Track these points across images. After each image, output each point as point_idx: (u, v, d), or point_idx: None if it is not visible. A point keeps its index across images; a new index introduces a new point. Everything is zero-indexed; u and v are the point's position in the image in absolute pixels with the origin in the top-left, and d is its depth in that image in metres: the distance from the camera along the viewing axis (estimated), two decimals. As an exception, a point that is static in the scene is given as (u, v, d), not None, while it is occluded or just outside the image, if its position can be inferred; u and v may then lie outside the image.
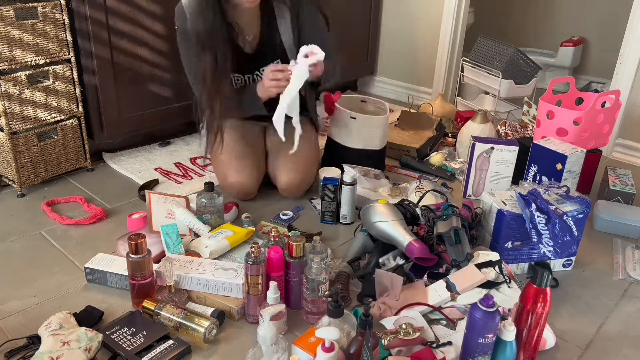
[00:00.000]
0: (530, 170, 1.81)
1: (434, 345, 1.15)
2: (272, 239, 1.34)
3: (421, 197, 1.71)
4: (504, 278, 1.31)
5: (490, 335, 1.06)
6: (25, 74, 1.74)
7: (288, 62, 1.66)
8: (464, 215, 1.51)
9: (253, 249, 1.22)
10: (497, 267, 1.33)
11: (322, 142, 2.05)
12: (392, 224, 1.46)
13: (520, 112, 2.47)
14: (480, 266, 1.33)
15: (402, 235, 1.43)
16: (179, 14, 1.66)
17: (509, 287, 1.29)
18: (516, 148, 1.81)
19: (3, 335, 1.23)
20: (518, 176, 1.84)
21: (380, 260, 1.47)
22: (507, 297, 1.27)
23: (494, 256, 1.36)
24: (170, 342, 1.18)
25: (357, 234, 1.58)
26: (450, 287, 1.29)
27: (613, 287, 1.48)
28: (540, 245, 1.46)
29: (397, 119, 2.40)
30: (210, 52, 1.58)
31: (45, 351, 1.10)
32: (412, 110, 2.46)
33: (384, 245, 1.51)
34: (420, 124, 2.33)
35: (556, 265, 1.51)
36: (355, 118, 1.91)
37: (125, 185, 1.95)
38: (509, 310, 1.23)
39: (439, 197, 1.75)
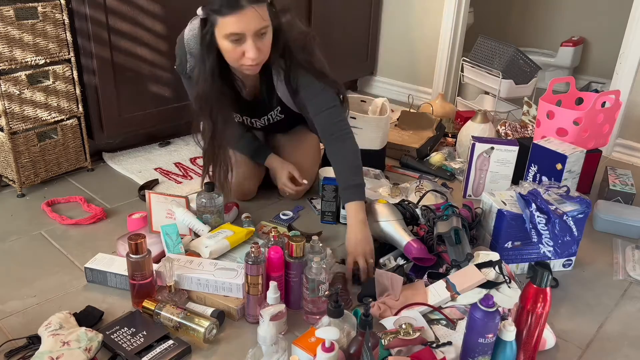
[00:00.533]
0: (530, 170, 1.81)
1: (434, 345, 1.15)
2: (272, 239, 1.34)
3: (421, 197, 1.71)
4: (504, 278, 1.30)
5: (490, 335, 1.06)
6: (25, 74, 1.74)
7: (286, 111, 1.69)
8: (464, 215, 1.51)
9: (253, 249, 1.22)
10: (497, 267, 1.33)
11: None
12: (391, 223, 1.46)
13: (520, 112, 2.47)
14: (480, 266, 1.33)
15: (401, 235, 1.43)
16: (179, 49, 1.58)
17: (509, 287, 1.29)
18: (516, 148, 1.81)
19: (3, 335, 1.23)
20: (518, 176, 1.84)
21: (381, 260, 1.47)
22: (507, 297, 1.27)
23: (494, 256, 1.36)
24: (170, 342, 1.18)
25: None
26: (450, 287, 1.29)
27: (613, 287, 1.48)
28: (540, 245, 1.46)
29: (397, 119, 2.40)
30: (210, 117, 1.52)
31: (45, 351, 1.10)
32: (412, 110, 2.46)
33: (383, 245, 1.51)
34: (420, 124, 2.33)
35: (556, 265, 1.51)
36: (355, 118, 1.91)
37: (125, 185, 1.95)
38: (509, 310, 1.23)
39: (439, 197, 1.75)
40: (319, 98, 1.54)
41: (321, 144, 2.01)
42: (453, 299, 1.28)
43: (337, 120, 1.54)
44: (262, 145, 1.82)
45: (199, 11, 1.39)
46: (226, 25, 1.35)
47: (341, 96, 1.59)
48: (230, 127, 1.59)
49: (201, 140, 1.57)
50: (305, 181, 1.75)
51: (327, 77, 1.54)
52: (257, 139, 1.83)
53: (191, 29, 1.53)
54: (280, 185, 1.78)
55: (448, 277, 1.32)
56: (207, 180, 1.60)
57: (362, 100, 2.12)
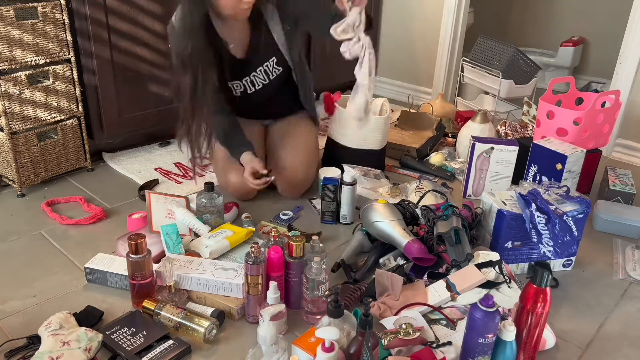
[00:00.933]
0: (530, 170, 1.81)
1: (434, 345, 1.15)
2: (272, 239, 1.34)
3: (421, 197, 1.71)
4: (504, 278, 1.30)
5: (490, 335, 1.06)
6: (25, 74, 1.75)
7: (284, 60, 1.69)
8: (464, 215, 1.51)
9: (253, 249, 1.22)
10: (497, 267, 1.33)
11: (322, 142, 2.05)
12: (391, 223, 1.46)
13: (520, 112, 2.47)
14: (480, 266, 1.33)
15: (401, 235, 1.43)
16: (170, 34, 1.63)
17: (509, 287, 1.29)
18: (516, 148, 1.81)
19: (3, 335, 1.23)
20: (518, 176, 1.84)
21: (381, 260, 1.47)
22: (507, 297, 1.27)
23: (494, 256, 1.36)
24: (170, 342, 1.18)
25: (355, 234, 1.58)
26: (450, 287, 1.29)
27: (613, 287, 1.48)
28: (540, 245, 1.46)
29: (397, 119, 2.40)
30: (191, 74, 1.54)
31: (45, 351, 1.10)
32: (412, 110, 2.46)
33: (383, 245, 1.51)
34: (420, 124, 2.33)
35: (556, 265, 1.51)
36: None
37: (125, 185, 1.95)
38: (509, 310, 1.23)
39: (439, 197, 1.75)
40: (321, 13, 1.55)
41: (321, 144, 2.02)
42: (453, 299, 1.28)
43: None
44: (242, 142, 1.76)
45: None
46: None
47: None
48: (210, 84, 1.58)
49: (178, 100, 1.57)
50: (265, 171, 1.69)
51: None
52: (240, 135, 1.78)
53: (179, 11, 1.57)
54: (243, 179, 1.72)
55: (448, 277, 1.32)
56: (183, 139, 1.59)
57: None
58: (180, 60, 1.56)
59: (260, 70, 1.72)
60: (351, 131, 1.93)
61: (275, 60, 1.71)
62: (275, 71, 1.73)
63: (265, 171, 1.69)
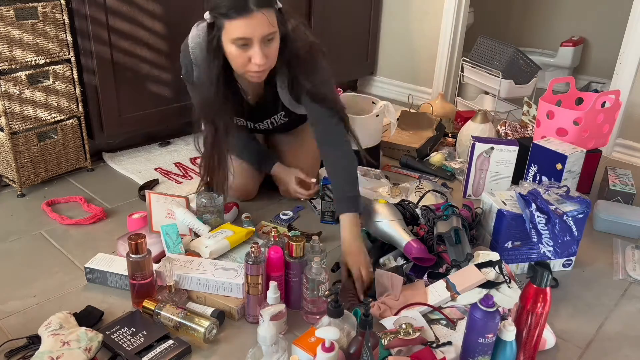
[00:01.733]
0: (530, 170, 1.81)
1: (434, 345, 1.15)
2: (272, 239, 1.35)
3: (421, 197, 1.71)
4: (504, 278, 1.30)
5: (490, 335, 1.06)
6: (25, 74, 1.74)
7: (289, 114, 1.68)
8: (464, 215, 1.51)
9: (253, 249, 1.22)
10: (497, 267, 1.33)
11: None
12: (391, 223, 1.46)
13: (520, 112, 2.47)
14: (480, 266, 1.33)
15: (401, 235, 1.43)
16: (184, 58, 1.56)
17: (509, 287, 1.29)
18: (516, 148, 1.81)
19: (3, 335, 1.23)
20: (518, 176, 1.84)
21: (381, 260, 1.47)
22: (507, 297, 1.27)
23: (494, 256, 1.36)
24: (170, 342, 1.18)
25: None
26: (450, 287, 1.29)
27: (613, 287, 1.48)
28: (540, 245, 1.46)
29: (397, 119, 2.40)
30: (213, 123, 1.52)
31: (45, 351, 1.10)
32: (412, 110, 2.46)
33: (383, 245, 1.51)
34: (420, 124, 2.33)
35: (556, 265, 1.51)
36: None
37: (125, 185, 1.95)
38: (509, 310, 1.23)
39: (439, 197, 1.75)
40: (320, 112, 1.53)
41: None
42: (453, 299, 1.28)
43: (335, 127, 1.53)
44: (267, 154, 1.80)
45: (206, 15, 1.38)
46: (233, 30, 1.33)
47: (343, 118, 1.57)
48: (231, 134, 1.57)
49: (202, 146, 1.56)
50: (313, 180, 1.75)
51: (329, 101, 1.53)
52: (261, 147, 1.82)
53: (195, 37, 1.51)
54: (291, 192, 1.77)
55: (448, 277, 1.32)
56: (203, 185, 1.59)
57: (372, 102, 2.11)
58: (201, 111, 1.52)
59: (266, 122, 1.72)
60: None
61: (283, 114, 1.69)
62: (281, 121, 1.72)
63: (313, 180, 1.73)
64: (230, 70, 1.47)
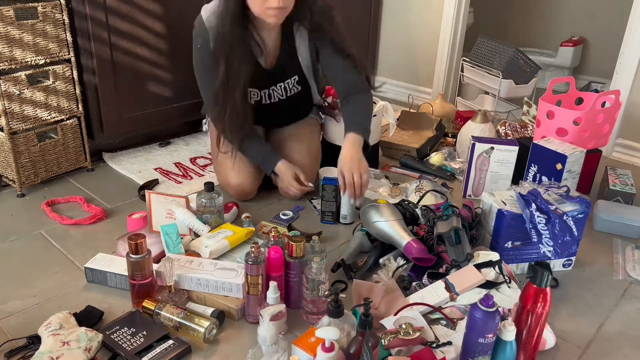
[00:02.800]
0: (530, 170, 1.81)
1: (434, 345, 1.15)
2: (272, 239, 1.35)
3: (421, 197, 1.71)
4: (504, 278, 1.30)
5: (490, 335, 1.06)
6: (25, 74, 1.74)
7: (305, 80, 1.72)
8: (464, 215, 1.51)
9: (253, 249, 1.22)
10: (497, 267, 1.33)
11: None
12: (391, 223, 1.46)
13: (520, 112, 2.47)
14: (480, 266, 1.33)
15: (400, 235, 1.43)
16: (200, 31, 1.60)
17: (509, 287, 1.29)
18: (516, 148, 1.81)
19: (3, 335, 1.23)
20: (518, 176, 1.84)
21: (381, 260, 1.47)
22: (507, 297, 1.27)
23: (494, 256, 1.36)
24: (170, 342, 1.18)
25: (355, 234, 1.58)
26: (449, 287, 1.29)
27: (613, 287, 1.48)
28: (540, 245, 1.46)
29: (397, 119, 2.40)
30: (225, 64, 1.54)
31: (45, 351, 1.10)
32: (412, 110, 2.46)
33: (383, 245, 1.51)
34: (420, 124, 2.33)
35: (556, 265, 1.51)
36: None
37: (125, 185, 1.95)
38: (509, 310, 1.23)
39: (439, 197, 1.75)
40: (344, 68, 1.62)
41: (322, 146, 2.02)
42: (452, 299, 1.28)
43: (356, 80, 1.65)
44: (270, 152, 1.79)
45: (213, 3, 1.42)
46: None
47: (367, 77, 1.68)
48: (244, 71, 1.58)
49: (212, 87, 1.59)
50: (310, 184, 1.76)
51: (352, 57, 1.63)
52: (265, 145, 1.80)
53: (208, 9, 1.54)
54: (285, 184, 1.77)
55: (447, 277, 1.31)
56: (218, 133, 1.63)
57: (373, 102, 2.11)
58: (215, 55, 1.56)
59: (280, 86, 1.72)
60: (338, 130, 1.93)
61: (296, 79, 1.70)
62: (294, 89, 1.73)
63: (311, 184, 1.75)
64: (246, 18, 1.50)
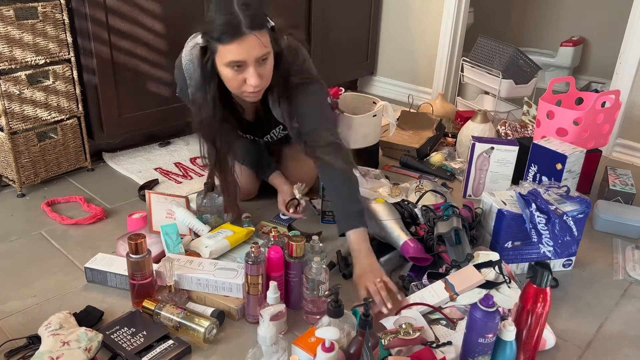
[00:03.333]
0: (530, 170, 1.81)
1: (434, 345, 1.15)
2: (272, 239, 1.35)
3: (420, 197, 1.71)
4: (504, 278, 1.30)
5: (490, 335, 1.06)
6: (25, 74, 1.74)
7: (284, 129, 1.66)
8: (465, 215, 1.51)
9: (253, 249, 1.22)
10: (497, 267, 1.33)
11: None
12: (388, 223, 1.46)
13: (520, 112, 2.47)
14: (480, 266, 1.33)
15: (398, 234, 1.43)
16: (179, 76, 1.55)
17: (508, 287, 1.29)
18: (516, 148, 1.81)
19: (3, 335, 1.23)
20: (518, 176, 1.84)
21: (381, 260, 1.47)
22: (507, 297, 1.27)
23: (494, 256, 1.36)
24: (170, 342, 1.18)
25: None
26: (449, 287, 1.29)
27: (613, 287, 1.48)
28: (540, 245, 1.46)
29: (397, 119, 2.40)
30: (214, 144, 1.53)
31: (45, 351, 1.10)
32: (412, 110, 2.46)
33: (380, 244, 1.51)
34: (420, 124, 2.33)
35: (556, 265, 1.51)
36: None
37: (125, 185, 1.95)
38: (509, 310, 1.23)
39: (438, 197, 1.75)
40: (314, 115, 1.51)
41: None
42: (452, 299, 1.28)
43: (332, 142, 1.47)
44: (267, 162, 1.78)
45: (199, 39, 1.37)
46: (227, 53, 1.32)
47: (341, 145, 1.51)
48: (232, 150, 1.58)
49: (207, 157, 1.57)
50: (303, 203, 1.70)
51: (322, 138, 1.49)
52: (262, 154, 1.80)
53: (188, 54, 1.50)
54: (279, 206, 1.75)
55: (447, 277, 1.31)
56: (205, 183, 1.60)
57: (373, 102, 2.11)
58: (201, 133, 1.53)
59: (267, 137, 1.73)
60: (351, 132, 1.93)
61: (281, 127, 1.68)
62: (280, 134, 1.72)
63: (299, 195, 1.69)
64: (226, 90, 1.46)
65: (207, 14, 1.36)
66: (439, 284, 1.30)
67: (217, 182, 1.60)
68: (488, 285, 1.29)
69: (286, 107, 1.50)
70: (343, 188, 1.43)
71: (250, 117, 1.65)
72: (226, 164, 1.57)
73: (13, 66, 1.72)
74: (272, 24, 1.37)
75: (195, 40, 1.45)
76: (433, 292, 1.29)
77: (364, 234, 1.37)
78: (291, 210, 1.68)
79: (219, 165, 1.56)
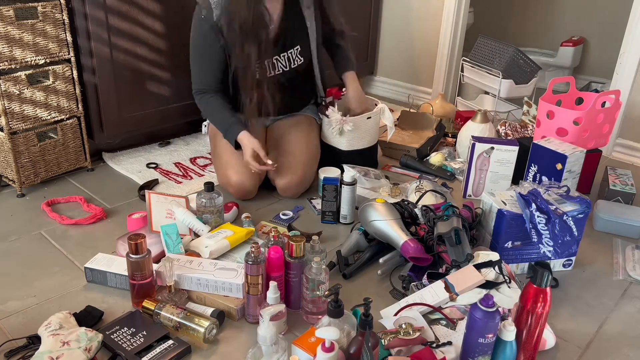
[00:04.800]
0: (530, 170, 1.81)
1: (434, 345, 1.15)
2: (272, 239, 1.35)
3: (420, 197, 1.71)
4: (504, 278, 1.30)
5: (490, 335, 1.06)
6: (25, 74, 1.74)
7: (305, 50, 1.85)
8: (465, 216, 1.51)
9: (253, 249, 1.22)
10: (497, 267, 1.33)
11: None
12: (388, 222, 1.46)
13: (520, 112, 2.47)
14: (480, 266, 1.33)
15: (398, 235, 1.43)
16: (204, 5, 1.69)
17: (509, 287, 1.29)
18: (516, 148, 1.81)
19: (3, 335, 1.23)
20: (518, 176, 1.84)
21: (381, 260, 1.47)
22: (507, 297, 1.27)
23: (494, 256, 1.36)
24: (170, 342, 1.18)
25: (352, 233, 1.58)
26: (448, 287, 1.29)
27: (613, 287, 1.48)
28: (540, 245, 1.46)
29: (397, 119, 2.40)
30: (245, 46, 1.69)
31: (45, 351, 1.10)
32: (412, 110, 2.46)
33: (380, 244, 1.51)
34: (420, 124, 2.33)
35: (556, 265, 1.51)
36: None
37: (125, 185, 1.95)
38: (509, 310, 1.23)
39: (438, 197, 1.75)
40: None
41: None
42: (452, 299, 1.28)
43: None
44: (236, 122, 1.77)
45: None
46: None
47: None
48: (253, 44, 1.71)
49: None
50: (269, 161, 1.72)
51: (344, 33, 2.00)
52: (232, 114, 1.79)
53: None
54: (245, 159, 1.74)
55: (447, 277, 1.31)
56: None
57: (375, 104, 2.11)
58: (228, 27, 1.68)
59: (283, 56, 1.79)
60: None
61: (299, 49, 1.79)
62: (297, 60, 1.81)
63: (269, 162, 1.71)
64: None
65: None
66: (439, 284, 1.30)
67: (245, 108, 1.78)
68: (488, 285, 1.29)
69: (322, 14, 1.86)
70: (342, 50, 2.01)
71: (276, 25, 1.76)
72: (250, 60, 1.71)
73: (13, 66, 1.72)
74: None
75: None
76: (433, 292, 1.29)
77: (354, 75, 1.97)
78: (256, 164, 1.71)
79: (249, 70, 1.72)
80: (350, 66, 1.97)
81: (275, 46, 1.77)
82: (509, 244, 1.46)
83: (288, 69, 1.82)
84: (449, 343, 1.16)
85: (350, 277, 1.44)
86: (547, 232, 1.42)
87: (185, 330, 1.21)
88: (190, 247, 1.48)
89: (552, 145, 1.76)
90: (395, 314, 1.25)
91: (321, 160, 1.94)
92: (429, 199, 1.73)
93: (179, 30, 2.09)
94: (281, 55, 1.79)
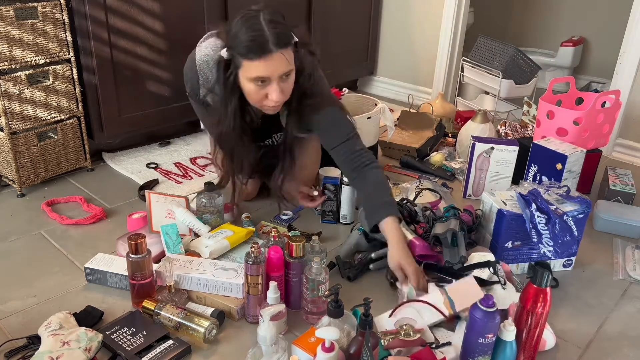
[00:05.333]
0: (530, 170, 1.81)
1: (434, 346, 1.15)
2: (272, 239, 1.35)
3: (416, 196, 1.71)
4: (499, 279, 1.30)
5: (490, 335, 1.06)
6: (25, 74, 1.74)
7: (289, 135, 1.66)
8: (465, 219, 1.51)
9: (253, 249, 1.22)
10: (491, 269, 1.32)
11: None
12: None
13: (520, 112, 2.47)
14: (475, 267, 1.33)
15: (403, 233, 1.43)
16: (190, 74, 1.53)
17: (503, 288, 1.28)
18: (516, 148, 1.81)
19: (3, 335, 1.23)
20: (518, 176, 1.84)
21: (371, 266, 1.46)
22: (501, 298, 1.25)
23: (490, 257, 1.36)
24: (170, 342, 1.18)
25: (352, 233, 1.58)
26: (448, 302, 1.23)
27: (613, 287, 1.48)
28: (540, 245, 1.46)
29: (397, 119, 2.40)
30: (230, 157, 1.57)
31: (45, 351, 1.10)
32: (412, 110, 2.46)
33: (380, 244, 1.51)
34: (420, 124, 2.33)
35: (556, 265, 1.51)
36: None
37: (125, 185, 1.95)
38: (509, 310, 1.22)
39: (436, 195, 1.75)
40: (332, 132, 1.53)
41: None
42: (449, 321, 1.22)
43: (357, 151, 1.51)
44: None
45: (224, 52, 1.36)
46: (252, 69, 1.33)
47: (352, 122, 1.56)
48: (247, 160, 1.60)
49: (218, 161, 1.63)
50: (315, 193, 1.72)
51: (334, 102, 1.55)
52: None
53: (203, 52, 1.49)
54: (299, 201, 1.75)
55: (446, 288, 1.26)
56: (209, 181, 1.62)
57: (375, 104, 2.11)
58: (219, 144, 1.56)
59: (268, 140, 1.73)
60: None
61: (281, 133, 1.67)
62: (280, 140, 1.71)
63: (315, 193, 1.71)
64: (245, 103, 1.47)
65: (231, 26, 1.34)
66: (438, 297, 1.24)
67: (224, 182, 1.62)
68: (480, 283, 1.28)
69: (296, 120, 1.53)
70: (374, 187, 1.48)
71: (258, 120, 1.64)
72: (239, 170, 1.59)
73: (13, 66, 1.72)
74: (296, 39, 1.37)
75: (212, 44, 1.46)
76: (431, 309, 1.22)
77: (397, 221, 1.41)
78: (311, 204, 1.71)
79: (232, 171, 1.58)
80: (386, 209, 1.41)
81: (260, 133, 1.68)
82: (509, 244, 1.46)
83: (273, 144, 1.74)
84: (449, 344, 1.16)
85: (355, 279, 1.43)
86: (547, 232, 1.42)
87: (185, 330, 1.21)
88: (190, 247, 1.48)
89: (552, 145, 1.77)
90: (390, 315, 1.23)
91: (322, 160, 1.94)
92: (428, 197, 1.73)
93: (179, 31, 2.09)
94: (265, 140, 1.72)
